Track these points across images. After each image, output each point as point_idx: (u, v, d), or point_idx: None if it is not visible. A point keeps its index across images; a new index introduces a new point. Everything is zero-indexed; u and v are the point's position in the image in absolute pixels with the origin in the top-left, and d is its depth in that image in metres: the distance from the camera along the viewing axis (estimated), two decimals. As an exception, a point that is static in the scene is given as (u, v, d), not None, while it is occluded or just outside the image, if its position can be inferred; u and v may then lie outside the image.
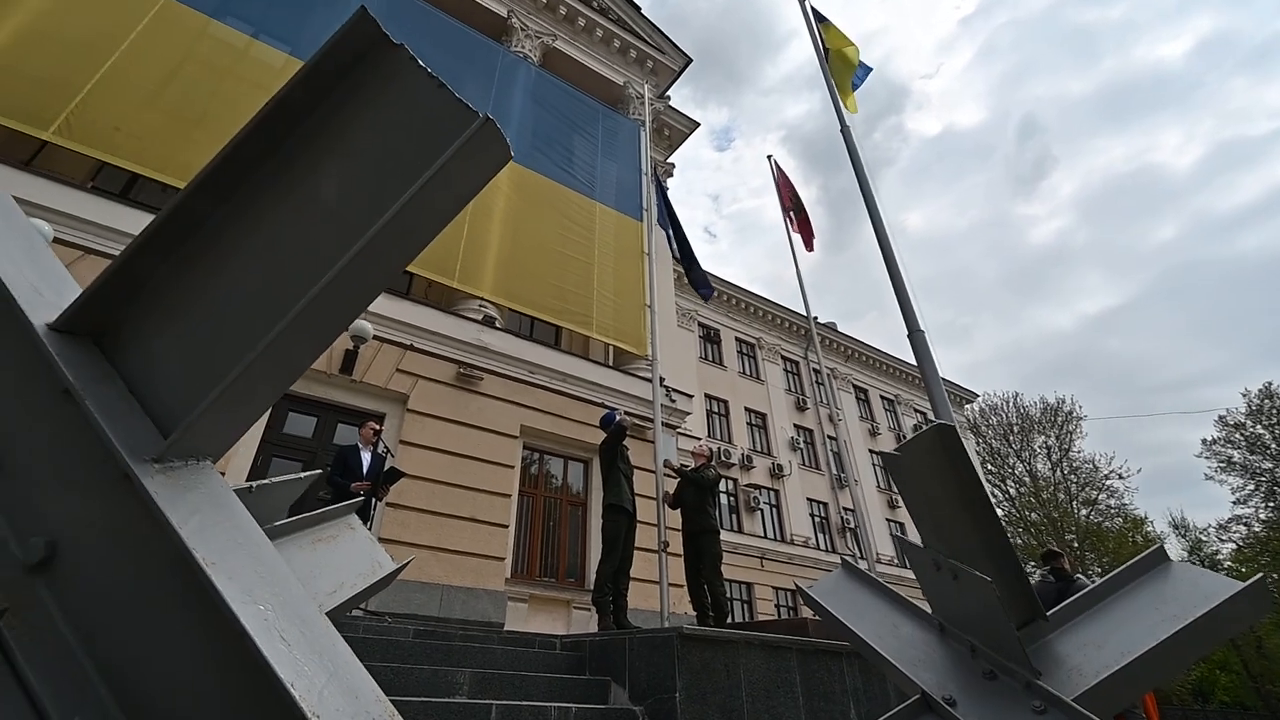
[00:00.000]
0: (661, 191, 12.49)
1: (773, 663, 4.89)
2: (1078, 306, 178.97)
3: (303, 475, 1.13)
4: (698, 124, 19.50)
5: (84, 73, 8.47)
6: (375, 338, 9.64)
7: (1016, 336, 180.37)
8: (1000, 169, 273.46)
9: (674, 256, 13.76)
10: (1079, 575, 8.02)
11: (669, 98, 18.89)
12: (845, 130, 8.41)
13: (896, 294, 6.71)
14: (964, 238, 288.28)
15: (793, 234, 14.89)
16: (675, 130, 19.34)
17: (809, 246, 15.28)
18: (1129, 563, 1.48)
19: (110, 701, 0.60)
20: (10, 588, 0.65)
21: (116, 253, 6.45)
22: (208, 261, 0.73)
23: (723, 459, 23.74)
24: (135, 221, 8.40)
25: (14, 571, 0.66)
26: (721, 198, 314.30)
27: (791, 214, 15.14)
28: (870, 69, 10.14)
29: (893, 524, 27.56)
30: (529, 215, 12.47)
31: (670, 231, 12.33)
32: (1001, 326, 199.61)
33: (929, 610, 1.61)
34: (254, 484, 1.01)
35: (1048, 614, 1.47)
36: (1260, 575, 1.28)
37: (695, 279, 12.44)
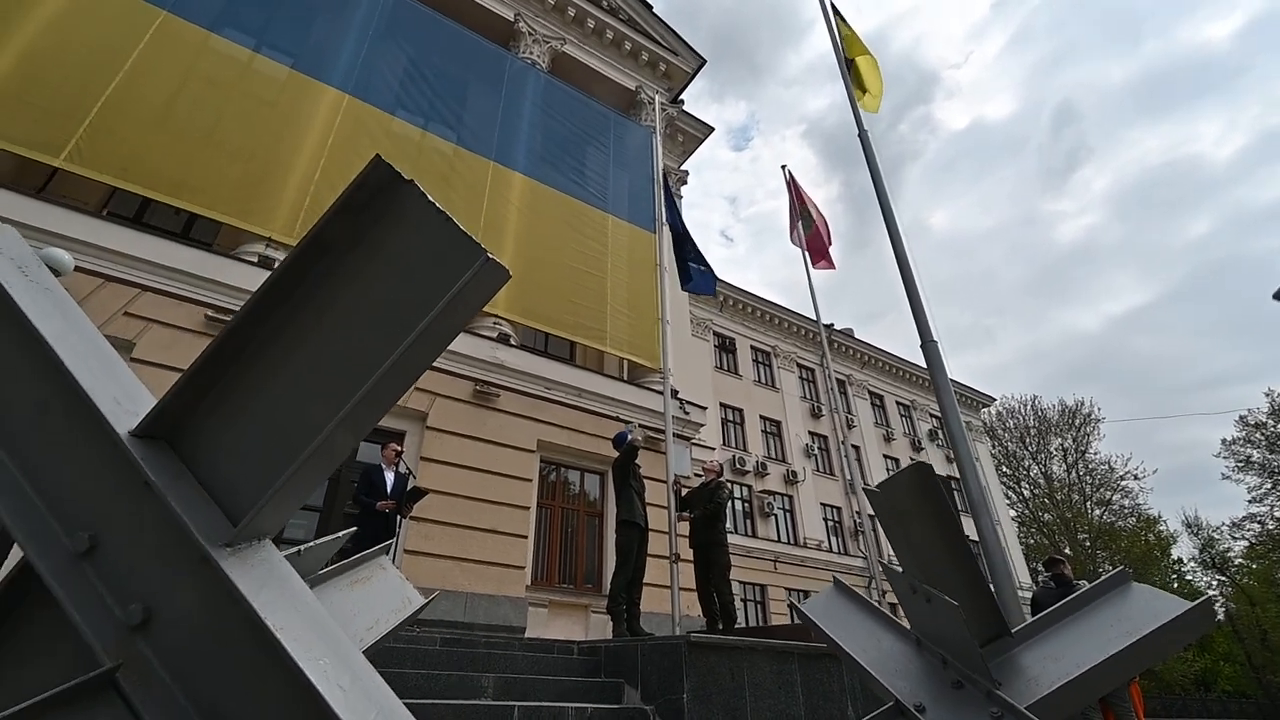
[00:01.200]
0: (672, 202, 12.41)
1: (775, 666, 5.13)
2: (1104, 306, 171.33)
3: (340, 535, 1.33)
4: (712, 129, 19.16)
5: (90, 97, 8.44)
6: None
7: (1040, 338, 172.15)
8: (1032, 160, 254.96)
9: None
10: (1079, 581, 8.14)
11: (682, 101, 18.44)
12: (863, 135, 8.38)
13: (911, 305, 6.82)
14: (989, 236, 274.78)
15: (804, 252, 14.39)
16: (689, 135, 18.95)
17: (829, 263, 14.58)
18: (1094, 583, 1.63)
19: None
20: (120, 646, 0.82)
21: (136, 280, 6.66)
22: (257, 377, 0.87)
23: (737, 466, 23.81)
24: (151, 247, 8.50)
25: (121, 633, 0.82)
26: (739, 200, 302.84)
27: (801, 229, 14.69)
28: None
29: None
30: (541, 230, 12.48)
31: (681, 228, 12.20)
32: (1025, 328, 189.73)
33: (908, 624, 1.77)
34: (301, 548, 1.19)
35: (1014, 630, 1.63)
36: (1207, 597, 1.41)
37: (688, 284, 12.21)
